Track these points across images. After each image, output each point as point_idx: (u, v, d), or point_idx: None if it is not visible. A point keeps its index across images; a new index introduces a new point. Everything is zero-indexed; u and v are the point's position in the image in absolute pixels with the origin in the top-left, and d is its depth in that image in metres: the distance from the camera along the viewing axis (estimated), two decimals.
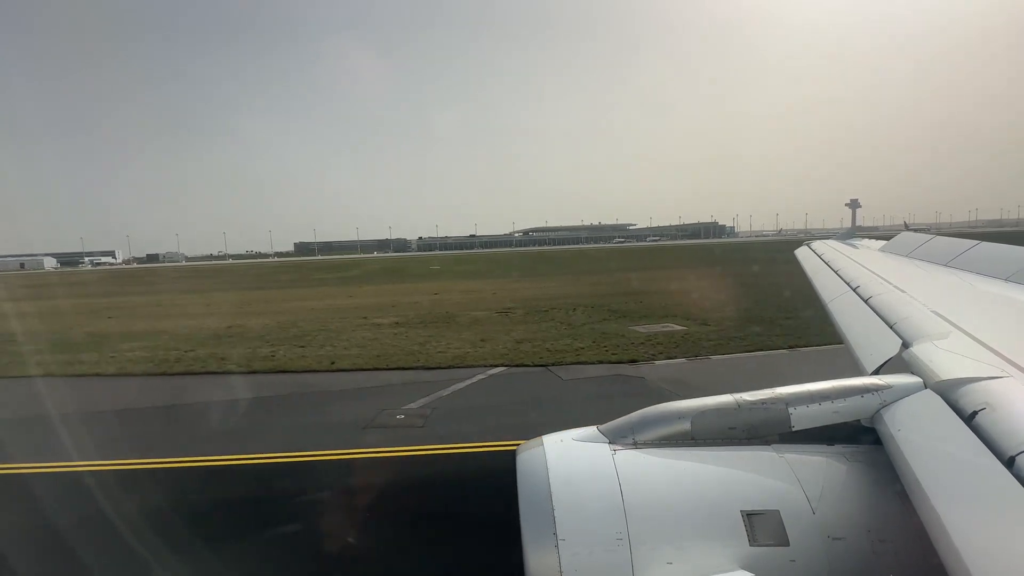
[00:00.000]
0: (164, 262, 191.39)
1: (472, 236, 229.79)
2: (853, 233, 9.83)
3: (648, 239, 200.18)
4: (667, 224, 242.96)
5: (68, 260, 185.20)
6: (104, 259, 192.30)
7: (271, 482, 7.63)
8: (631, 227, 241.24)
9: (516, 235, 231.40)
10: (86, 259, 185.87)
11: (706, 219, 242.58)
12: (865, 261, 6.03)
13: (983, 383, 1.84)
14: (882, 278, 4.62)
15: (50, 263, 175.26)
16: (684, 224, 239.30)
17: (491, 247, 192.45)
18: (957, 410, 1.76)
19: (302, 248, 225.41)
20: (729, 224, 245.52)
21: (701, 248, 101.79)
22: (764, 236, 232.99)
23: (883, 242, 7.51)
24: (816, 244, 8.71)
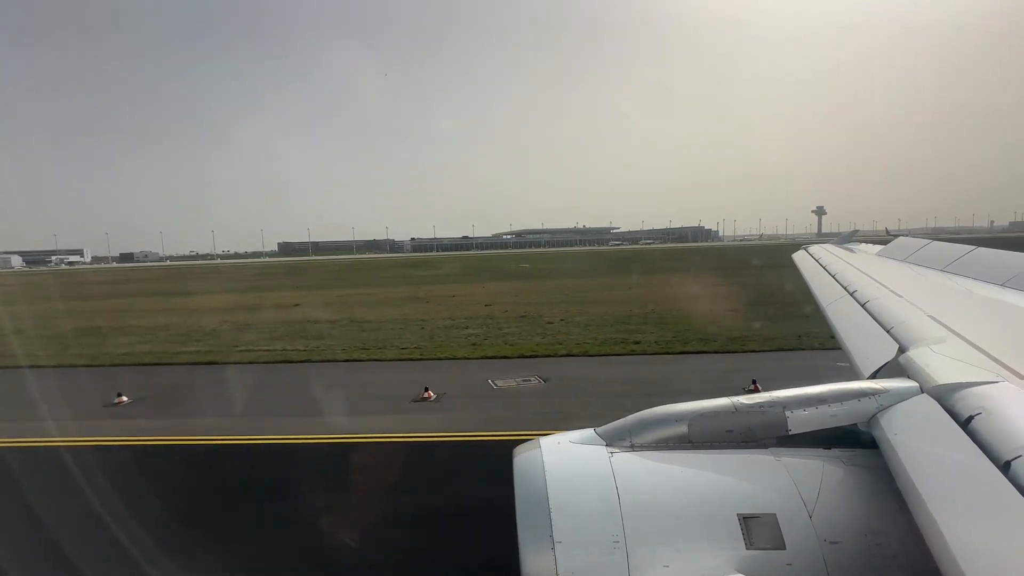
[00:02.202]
0: (139, 262, 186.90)
1: (466, 237, 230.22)
2: (851, 237, 9.74)
3: (641, 242, 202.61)
4: (653, 228, 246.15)
5: (34, 259, 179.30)
6: (72, 258, 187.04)
7: None
8: (615, 230, 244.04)
9: (506, 237, 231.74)
10: (53, 258, 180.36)
11: (692, 223, 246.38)
12: (862, 266, 6.04)
13: (979, 388, 1.85)
14: (879, 283, 4.64)
15: (16, 261, 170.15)
16: (671, 228, 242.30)
17: (485, 249, 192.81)
18: (953, 414, 1.77)
19: (286, 248, 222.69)
20: (714, 228, 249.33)
21: (707, 250, 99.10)
22: (748, 240, 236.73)
23: (880, 247, 7.49)
24: (814, 248, 8.67)
